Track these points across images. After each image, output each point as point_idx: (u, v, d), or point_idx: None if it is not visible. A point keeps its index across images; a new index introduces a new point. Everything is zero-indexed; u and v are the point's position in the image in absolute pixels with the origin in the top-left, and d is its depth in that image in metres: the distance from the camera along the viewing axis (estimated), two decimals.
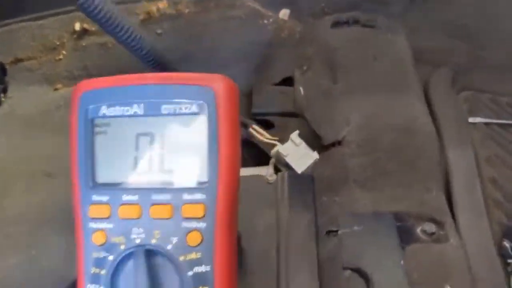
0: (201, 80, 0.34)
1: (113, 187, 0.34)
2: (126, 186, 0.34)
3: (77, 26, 0.86)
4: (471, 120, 0.71)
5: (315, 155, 0.60)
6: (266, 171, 0.58)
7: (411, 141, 0.61)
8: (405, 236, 0.56)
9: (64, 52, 0.88)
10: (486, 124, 0.71)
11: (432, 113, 0.69)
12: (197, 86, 0.33)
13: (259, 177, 0.55)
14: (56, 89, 0.87)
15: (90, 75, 0.87)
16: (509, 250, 0.58)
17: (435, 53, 0.82)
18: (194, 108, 0.33)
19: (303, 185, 0.54)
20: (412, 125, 0.62)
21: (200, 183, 0.34)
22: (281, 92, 0.79)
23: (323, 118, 0.66)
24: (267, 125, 0.75)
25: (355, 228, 0.57)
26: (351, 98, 0.67)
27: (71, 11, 0.86)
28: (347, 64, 0.72)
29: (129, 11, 0.86)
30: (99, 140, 0.35)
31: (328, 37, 0.78)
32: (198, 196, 0.34)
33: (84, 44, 0.87)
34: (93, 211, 0.35)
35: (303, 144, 0.60)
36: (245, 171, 0.59)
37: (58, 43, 0.87)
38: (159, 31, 0.84)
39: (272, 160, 0.60)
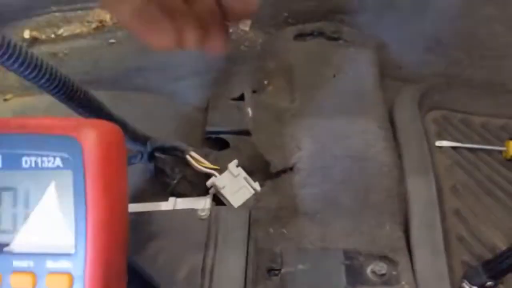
0: (65, 128, 0.28)
1: None
2: None
3: (27, 34, 0.81)
4: (438, 144, 0.65)
5: (255, 188, 0.55)
6: (204, 205, 0.53)
7: (364, 171, 0.56)
8: (353, 276, 0.51)
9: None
10: (454, 148, 0.65)
11: (395, 137, 0.63)
12: (60, 136, 0.28)
13: (192, 212, 0.50)
14: (6, 100, 0.82)
15: None
16: None
17: (406, 68, 0.77)
18: (58, 162, 0.28)
19: (238, 222, 0.49)
20: (366, 154, 0.57)
21: (67, 249, 0.29)
22: (239, 109, 0.73)
23: (273, 142, 0.60)
24: (223, 146, 0.70)
25: (300, 267, 0.52)
26: (305, 121, 0.62)
27: (19, 19, 0.81)
28: (304, 83, 0.67)
29: (81, 20, 0.81)
30: None
31: (289, 50, 0.73)
32: (64, 264, 0.29)
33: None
34: None
35: (242, 175, 0.55)
36: (182, 203, 0.54)
37: None
38: (111, 40, 0.79)
39: (212, 191, 0.55)
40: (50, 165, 0.28)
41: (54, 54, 0.81)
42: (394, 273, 0.52)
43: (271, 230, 0.56)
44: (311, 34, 0.75)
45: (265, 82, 0.74)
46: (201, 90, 0.76)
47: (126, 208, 0.31)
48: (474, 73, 0.76)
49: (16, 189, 0.29)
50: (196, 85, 0.76)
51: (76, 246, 0.28)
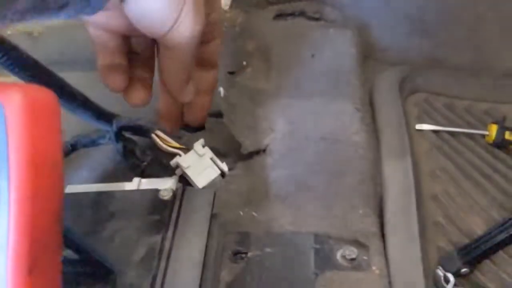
0: None
1: None
2: None
3: None
4: (417, 127, 0.63)
5: (222, 169, 0.53)
6: (170, 185, 0.51)
7: (338, 152, 0.54)
8: (322, 261, 0.49)
9: None
10: (435, 132, 0.63)
11: (374, 120, 0.61)
12: None
13: (154, 192, 0.48)
14: None
15: None
16: (442, 280, 0.51)
17: (389, 50, 0.74)
18: None
19: (201, 203, 0.47)
20: (340, 135, 0.55)
21: None
22: (216, 91, 0.71)
23: (246, 124, 0.58)
24: (196, 128, 0.67)
25: (267, 250, 0.50)
26: (279, 102, 0.59)
27: None
28: (281, 63, 0.64)
29: None
30: None
31: (268, 31, 0.71)
32: None
33: (9, 33, 0.79)
34: None
35: (209, 155, 0.53)
36: (147, 184, 0.52)
37: None
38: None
39: (178, 171, 0.53)
40: None
41: (29, 34, 0.79)
42: (365, 258, 0.50)
43: (241, 213, 0.54)
44: (292, 14, 0.73)
45: (244, 63, 0.72)
46: None
47: (59, 178, 0.29)
48: (459, 55, 0.73)
49: None
50: None
51: None
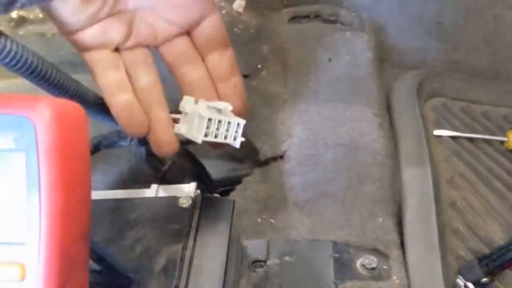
0: (17, 106, 0.26)
1: None
2: None
3: (14, 14, 0.78)
4: (436, 133, 0.62)
5: (208, 114, 0.43)
6: (189, 192, 0.50)
7: (357, 159, 0.54)
8: (342, 270, 0.49)
9: None
10: (453, 137, 0.63)
11: (392, 125, 0.61)
12: (11, 115, 0.26)
13: (174, 200, 0.48)
14: None
15: None
16: None
17: (406, 54, 0.74)
18: (10, 143, 0.26)
19: (221, 212, 0.47)
20: (359, 142, 0.54)
21: (18, 238, 0.26)
22: None
23: (263, 129, 0.58)
24: None
25: (286, 258, 0.50)
26: (296, 107, 0.59)
27: None
28: (298, 67, 0.64)
29: None
30: None
31: (284, 33, 0.70)
32: (16, 254, 0.26)
33: (21, 33, 0.79)
34: None
35: (195, 108, 0.43)
36: (165, 190, 0.52)
37: None
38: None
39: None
40: (1, 146, 0.26)
41: (42, 35, 0.78)
42: (385, 267, 0.49)
43: (259, 220, 0.54)
44: (307, 16, 0.73)
45: (259, 66, 0.71)
46: None
47: (88, 194, 0.29)
48: (477, 59, 0.73)
49: None
50: None
51: (29, 235, 0.26)
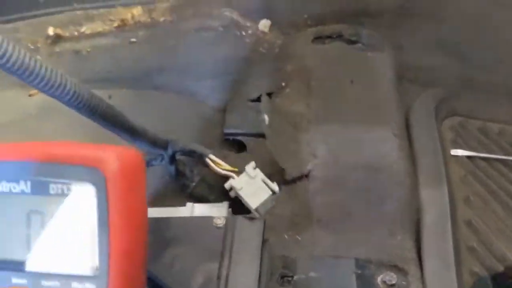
0: (89, 159, 0.30)
1: (2, 266, 0.31)
2: (16, 267, 0.31)
3: (51, 31, 0.83)
4: (453, 152, 0.66)
5: (273, 189, 0.55)
6: (221, 211, 0.54)
7: (378, 181, 0.57)
8: (364, 286, 0.53)
9: (38, 57, 0.85)
10: (470, 157, 0.66)
11: (411, 144, 0.64)
12: (84, 166, 0.30)
13: (209, 219, 0.52)
14: (30, 95, 0.84)
15: None
16: None
17: (423, 71, 0.77)
18: (83, 190, 0.30)
19: (253, 231, 0.51)
20: (380, 164, 0.58)
21: (91, 272, 0.30)
22: (257, 111, 0.74)
23: (288, 149, 0.61)
24: (239, 147, 0.71)
25: (312, 274, 0.54)
26: (320, 128, 0.62)
27: (43, 15, 0.83)
28: (321, 88, 0.67)
29: (103, 18, 0.82)
30: None
31: (307, 53, 0.74)
32: (88, 286, 0.31)
33: (58, 50, 0.84)
34: None
35: (260, 177, 0.56)
36: (199, 209, 0.56)
37: (32, 47, 0.84)
38: (133, 39, 0.80)
39: (232, 193, 0.56)
40: (75, 193, 0.30)
41: (77, 52, 0.83)
42: (404, 283, 0.53)
43: (286, 236, 0.58)
44: (330, 36, 0.76)
45: (283, 84, 0.74)
46: (220, 91, 0.77)
47: (146, 229, 0.33)
48: (493, 77, 0.75)
49: (44, 213, 0.31)
50: (216, 86, 0.77)
51: (100, 269, 0.30)
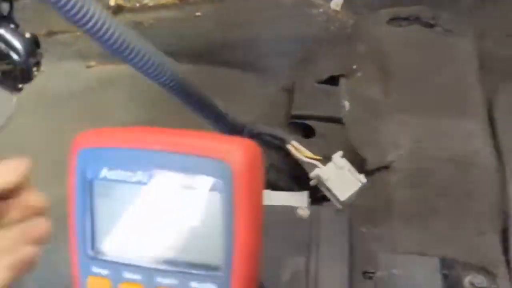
0: (217, 151, 0.28)
1: (114, 260, 0.30)
2: (128, 262, 0.30)
3: (112, 2, 0.80)
4: None
5: (361, 180, 0.52)
6: (301, 201, 0.52)
7: (467, 176, 0.54)
8: (451, 287, 0.50)
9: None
10: None
11: (494, 138, 0.60)
12: (212, 159, 0.28)
13: (290, 209, 0.49)
14: (89, 67, 0.83)
15: None
16: None
17: (506, 61, 0.72)
18: (207, 184, 0.28)
19: (339, 224, 0.48)
20: (470, 159, 0.55)
21: (211, 270, 0.29)
22: (326, 93, 0.71)
23: (369, 138, 0.59)
24: (307, 132, 0.68)
25: (394, 271, 0.51)
26: (403, 117, 0.59)
27: None
28: (401, 74, 0.64)
29: None
30: (99, 205, 0.30)
31: (383, 35, 0.70)
32: (208, 285, 0.29)
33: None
34: (92, 283, 0.30)
35: (348, 167, 0.52)
36: (277, 197, 0.54)
37: None
38: (197, 13, 0.78)
39: (313, 182, 0.54)
40: (199, 186, 0.28)
41: (139, 23, 0.80)
42: (493, 286, 0.50)
43: (364, 229, 0.55)
44: (406, 18, 0.72)
45: (354, 67, 0.71)
46: (286, 70, 0.74)
47: (262, 223, 0.31)
48: None
49: (162, 206, 0.29)
50: (282, 64, 0.74)
51: (222, 268, 0.28)
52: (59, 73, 0.82)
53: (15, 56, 0.79)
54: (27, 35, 0.83)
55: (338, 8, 0.74)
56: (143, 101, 0.77)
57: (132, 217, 0.30)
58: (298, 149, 0.54)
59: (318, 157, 0.54)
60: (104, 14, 0.39)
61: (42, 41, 0.85)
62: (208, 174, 0.28)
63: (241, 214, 0.28)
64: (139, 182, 0.29)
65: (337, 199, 0.51)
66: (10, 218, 0.33)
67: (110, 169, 0.29)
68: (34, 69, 0.84)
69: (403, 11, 0.72)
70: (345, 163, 0.52)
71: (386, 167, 0.57)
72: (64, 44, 0.84)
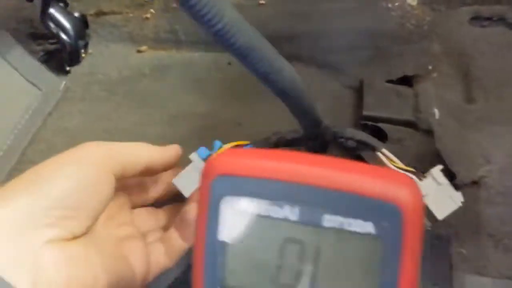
0: (383, 191, 0.24)
1: None
2: None
3: None
4: None
5: (459, 199, 0.48)
6: None
7: None
8: None
9: (152, 11, 0.78)
10: None
11: None
12: (377, 200, 0.24)
13: None
14: (139, 51, 0.78)
15: (178, 41, 0.77)
16: None
17: None
18: (369, 228, 0.24)
19: (442, 250, 0.45)
20: None
21: None
22: (398, 94, 0.67)
23: (459, 149, 0.54)
24: (378, 136, 0.64)
25: None
26: (493, 128, 0.55)
27: None
28: (487, 80, 0.59)
29: None
30: (234, 239, 0.26)
31: (464, 35, 0.65)
32: None
33: (174, 5, 0.77)
34: None
35: (447, 184, 0.47)
36: None
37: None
38: (262, 1, 0.73)
39: None
40: (358, 229, 0.24)
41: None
42: None
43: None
44: (489, 18, 0.67)
45: (429, 67, 0.67)
46: (356, 67, 0.69)
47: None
48: None
49: (307, 245, 0.25)
50: (351, 60, 0.70)
51: None
52: (108, 55, 0.78)
53: (64, 36, 0.76)
54: (76, 14, 0.79)
55: (414, 3, 0.69)
56: (196, 92, 0.73)
57: (271, 253, 0.26)
58: (390, 159, 0.50)
59: (411, 169, 0.50)
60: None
61: (91, 21, 0.81)
62: (367, 218, 0.24)
63: (406, 264, 0.25)
64: (285, 219, 0.25)
65: (433, 217, 0.47)
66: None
67: (251, 201, 0.25)
68: (82, 51, 0.80)
69: (486, 10, 0.67)
70: (444, 180, 0.48)
71: (475, 182, 0.54)
72: (114, 26, 0.80)
